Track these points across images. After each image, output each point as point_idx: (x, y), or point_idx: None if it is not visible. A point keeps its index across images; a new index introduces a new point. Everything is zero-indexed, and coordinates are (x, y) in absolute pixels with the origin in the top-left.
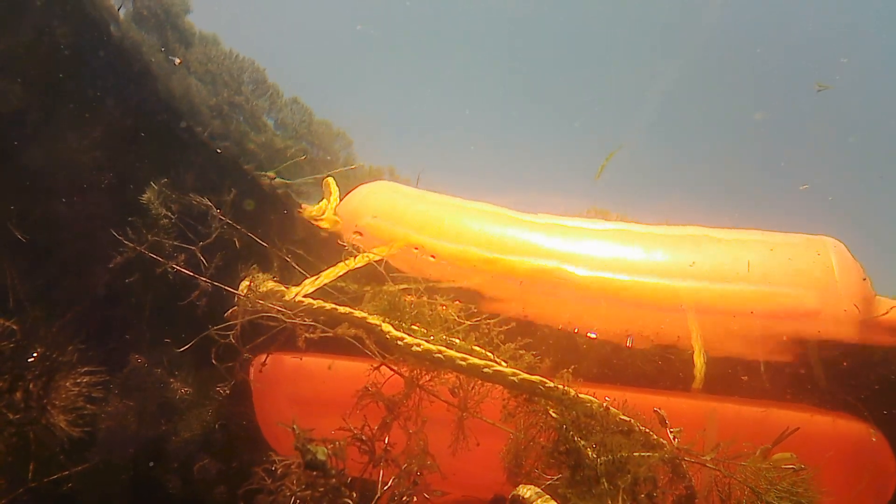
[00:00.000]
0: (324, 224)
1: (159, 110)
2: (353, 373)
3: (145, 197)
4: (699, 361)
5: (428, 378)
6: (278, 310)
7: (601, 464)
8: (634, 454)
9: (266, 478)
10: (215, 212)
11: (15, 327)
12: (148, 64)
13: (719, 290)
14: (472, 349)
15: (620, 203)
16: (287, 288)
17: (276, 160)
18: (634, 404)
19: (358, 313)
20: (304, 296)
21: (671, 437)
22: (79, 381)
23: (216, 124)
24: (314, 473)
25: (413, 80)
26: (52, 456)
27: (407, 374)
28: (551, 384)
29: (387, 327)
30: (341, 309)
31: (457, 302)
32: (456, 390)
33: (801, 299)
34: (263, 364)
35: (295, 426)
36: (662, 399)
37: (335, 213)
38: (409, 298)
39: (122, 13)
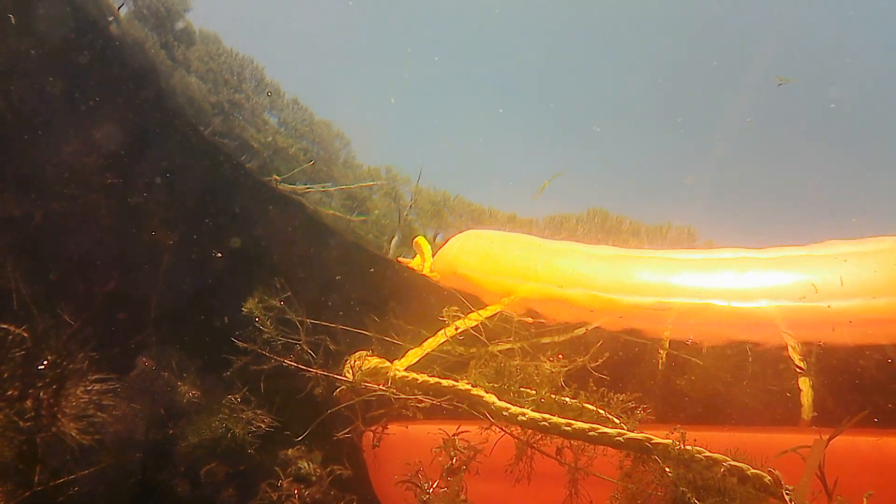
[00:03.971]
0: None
1: (162, 109)
2: (466, 436)
3: (246, 308)
4: (806, 387)
5: (539, 437)
6: (383, 388)
7: None
8: None
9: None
10: (295, 318)
11: (25, 334)
12: (149, 62)
13: (813, 308)
14: (582, 406)
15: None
16: (391, 362)
17: (277, 159)
18: (742, 446)
19: (462, 385)
20: (408, 368)
21: (787, 499)
22: (89, 388)
23: (217, 122)
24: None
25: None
26: (61, 462)
27: (518, 434)
28: (659, 440)
29: (490, 398)
30: (445, 382)
31: (559, 356)
32: (565, 448)
33: None
34: (377, 443)
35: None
36: (768, 437)
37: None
38: (514, 361)
39: (122, 11)
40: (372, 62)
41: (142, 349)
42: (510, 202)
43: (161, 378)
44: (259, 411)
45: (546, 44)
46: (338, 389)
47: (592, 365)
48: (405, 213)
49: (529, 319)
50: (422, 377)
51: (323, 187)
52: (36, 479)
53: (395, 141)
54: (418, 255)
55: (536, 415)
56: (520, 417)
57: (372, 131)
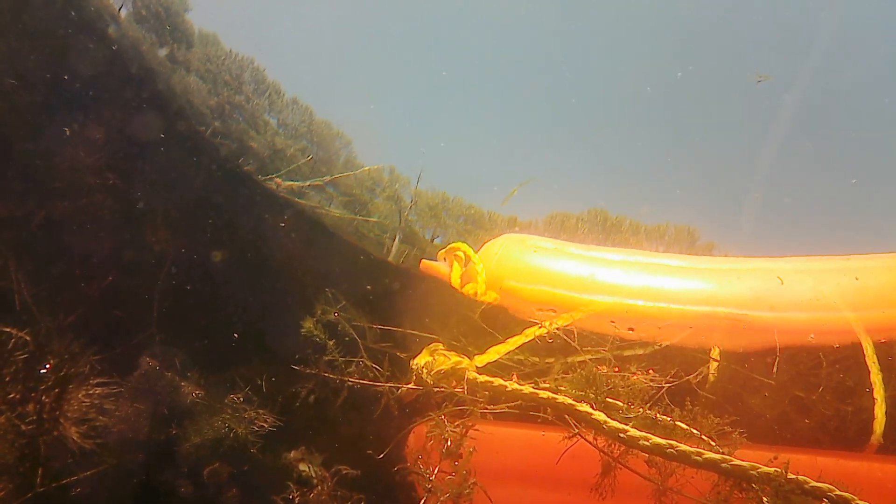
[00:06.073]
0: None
1: (162, 110)
2: (527, 441)
3: (305, 327)
4: (880, 414)
5: (622, 450)
6: (458, 390)
7: None
8: None
9: None
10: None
11: (27, 338)
12: (149, 63)
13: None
14: (675, 425)
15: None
16: (472, 358)
17: (276, 159)
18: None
19: (562, 399)
20: (484, 367)
21: None
22: (91, 392)
23: (217, 125)
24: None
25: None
26: (63, 464)
27: (602, 446)
28: (767, 470)
29: (600, 416)
30: (542, 393)
31: (650, 371)
32: (652, 463)
33: None
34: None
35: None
36: (833, 461)
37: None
38: (602, 369)
39: (122, 12)
40: (371, 64)
41: (145, 348)
42: (511, 203)
43: (164, 378)
44: (262, 411)
45: (552, 47)
46: (401, 390)
47: (695, 382)
48: (405, 214)
49: (630, 330)
50: (511, 385)
51: (329, 178)
52: (38, 480)
53: (395, 142)
54: (456, 266)
55: (663, 441)
56: (642, 442)
57: (373, 132)
